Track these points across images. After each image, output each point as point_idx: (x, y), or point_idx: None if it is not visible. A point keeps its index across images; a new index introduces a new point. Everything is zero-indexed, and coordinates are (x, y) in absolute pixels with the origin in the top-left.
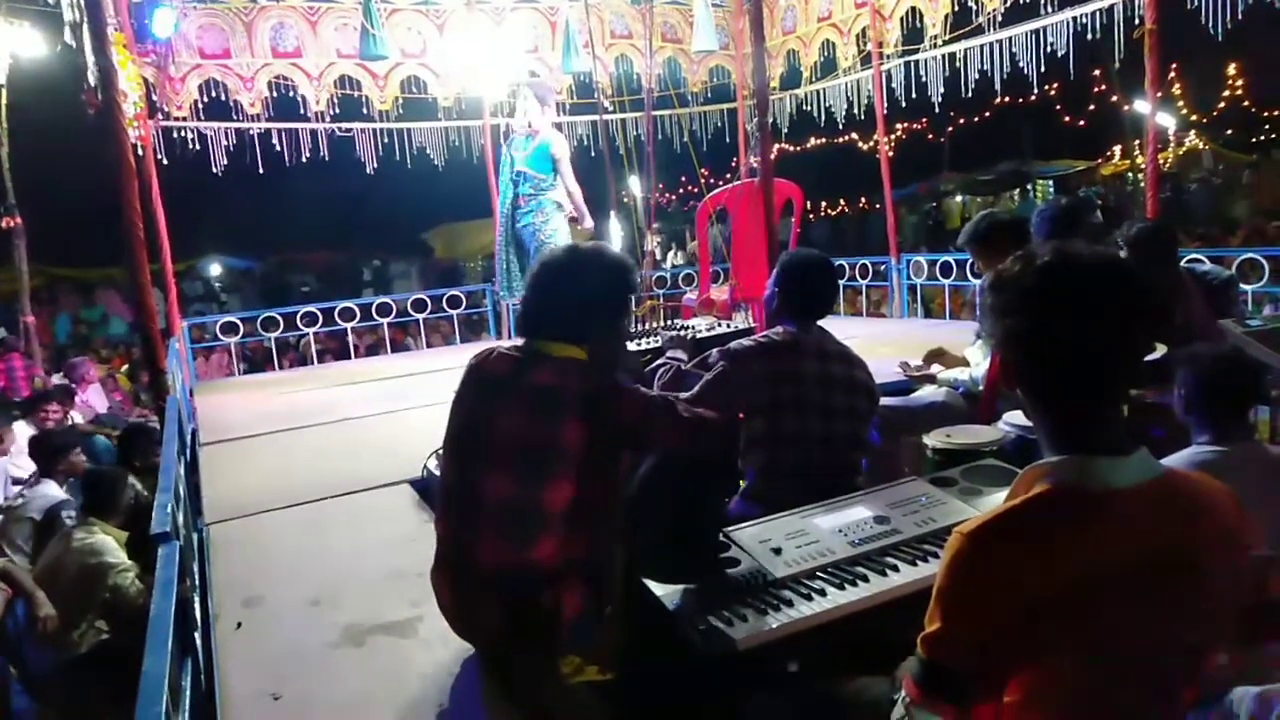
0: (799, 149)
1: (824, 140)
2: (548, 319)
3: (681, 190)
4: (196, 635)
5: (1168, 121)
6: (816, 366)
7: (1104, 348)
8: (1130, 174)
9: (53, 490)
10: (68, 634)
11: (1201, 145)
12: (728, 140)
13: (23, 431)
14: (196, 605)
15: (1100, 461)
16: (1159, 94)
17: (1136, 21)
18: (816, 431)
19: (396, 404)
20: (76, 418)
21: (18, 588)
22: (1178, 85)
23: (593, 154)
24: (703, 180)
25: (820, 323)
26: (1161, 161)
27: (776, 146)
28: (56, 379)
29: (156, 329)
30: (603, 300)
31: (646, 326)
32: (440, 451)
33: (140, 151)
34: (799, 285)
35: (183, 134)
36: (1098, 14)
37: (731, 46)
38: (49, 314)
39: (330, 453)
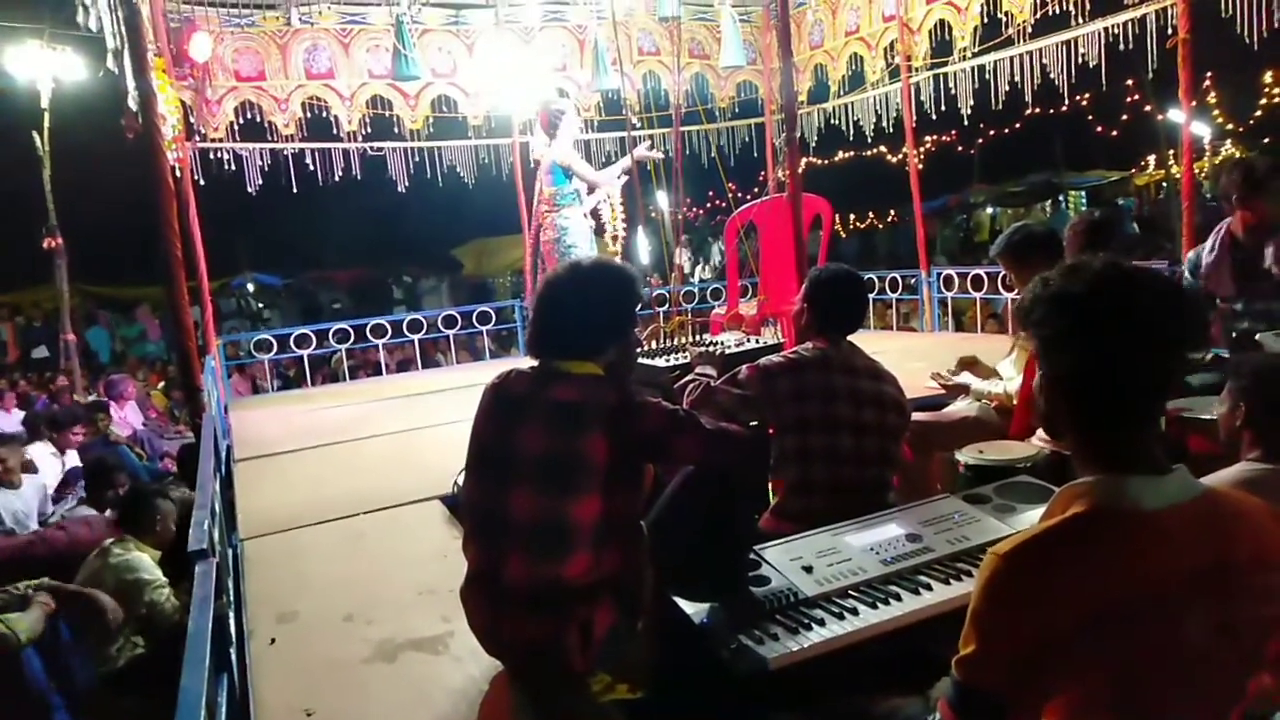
0: (827, 163)
1: (852, 154)
2: (559, 338)
3: (709, 205)
4: (232, 651)
5: (1202, 131)
6: (846, 382)
7: (1148, 367)
8: (1164, 183)
9: (91, 516)
10: (105, 649)
11: (1237, 154)
12: (755, 155)
13: (40, 451)
14: (231, 621)
15: (1138, 481)
16: (1193, 103)
17: (1169, 31)
18: (847, 448)
19: (427, 420)
20: (117, 432)
21: (67, 597)
22: (1212, 94)
23: None
24: (730, 195)
25: (850, 337)
26: (1196, 171)
27: (804, 161)
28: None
29: (194, 346)
30: (611, 314)
31: (675, 342)
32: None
33: (178, 173)
34: (828, 300)
35: (219, 155)
36: (1130, 24)
37: (759, 61)
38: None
39: (362, 469)
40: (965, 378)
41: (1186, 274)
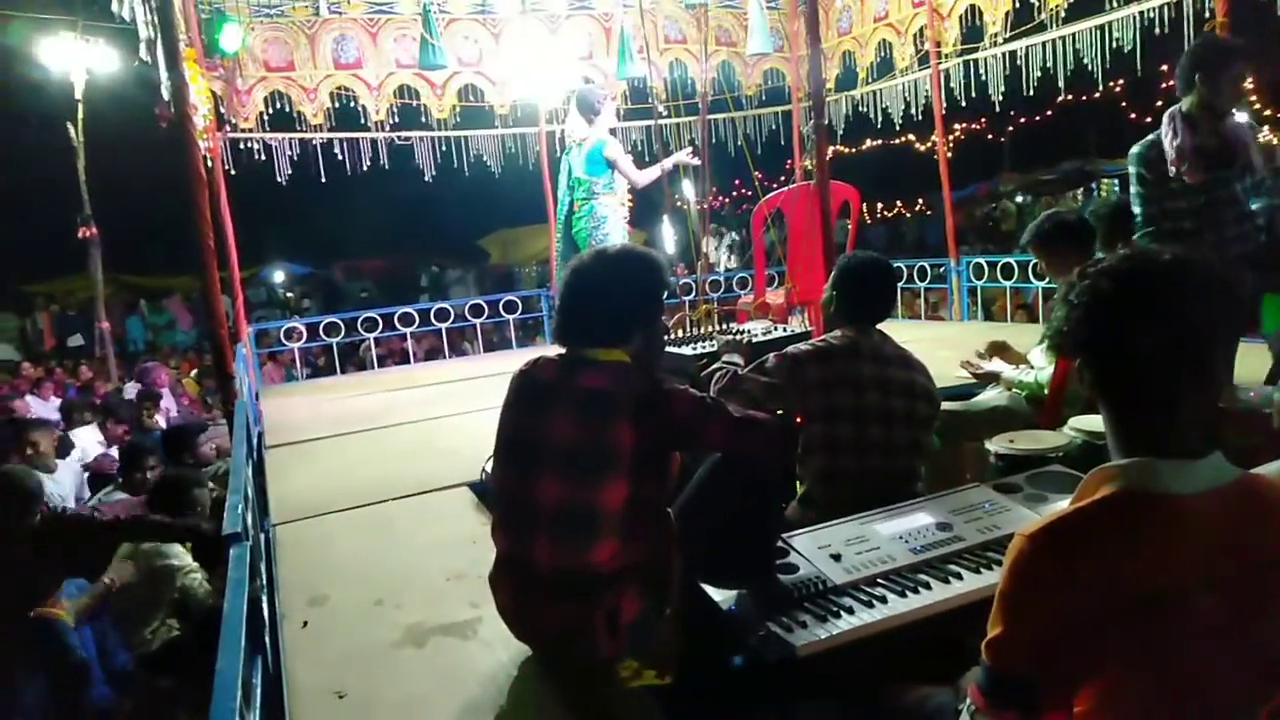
0: (855, 151)
1: (880, 142)
2: (585, 325)
3: (735, 194)
4: (265, 633)
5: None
6: (875, 371)
7: (1178, 350)
8: None
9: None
10: (140, 631)
11: (1275, 141)
12: (782, 143)
13: (89, 437)
14: (265, 604)
15: (1169, 465)
16: None
17: (1207, 15)
18: (876, 437)
19: (455, 408)
20: (160, 422)
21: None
22: (1249, 80)
23: (647, 159)
24: (757, 183)
25: (878, 326)
26: None
27: (832, 148)
28: (130, 387)
29: (226, 334)
30: (637, 301)
31: (701, 330)
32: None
33: (209, 163)
34: (857, 288)
35: (249, 145)
36: (1165, 8)
37: (786, 49)
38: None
39: (391, 455)
40: (996, 365)
41: (1134, 171)
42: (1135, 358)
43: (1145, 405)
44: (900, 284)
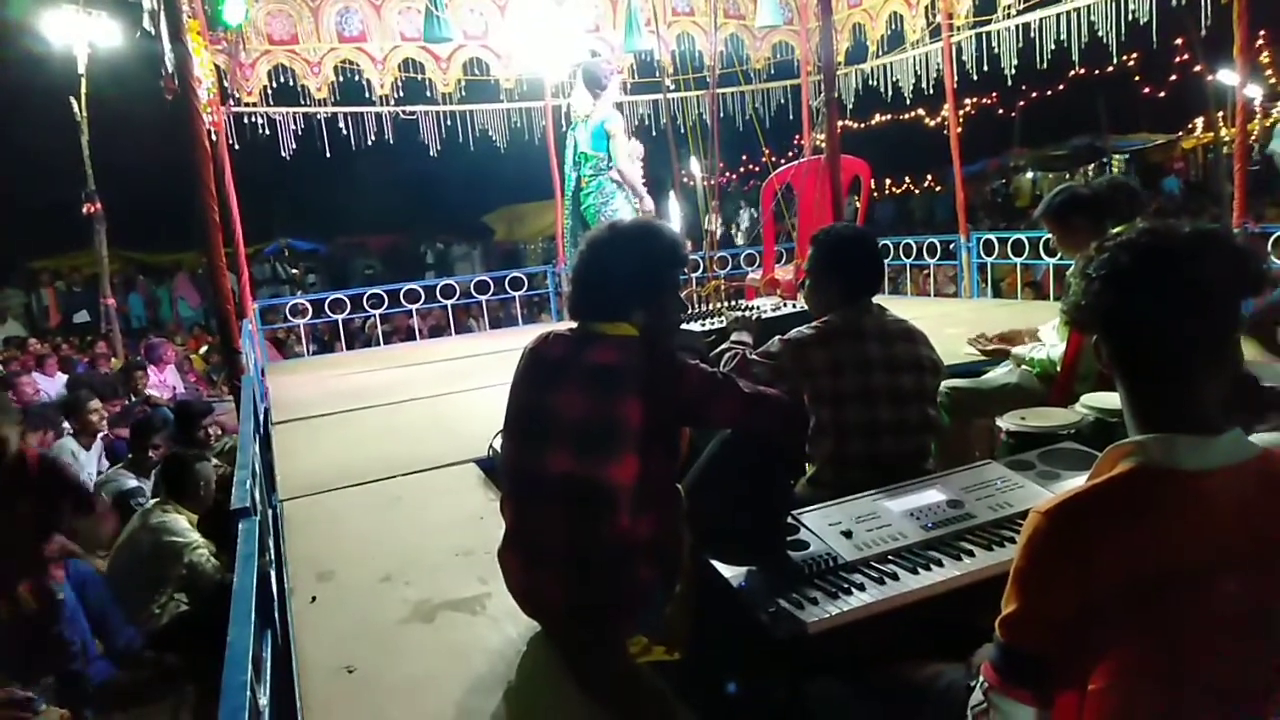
0: (864, 126)
1: (890, 116)
2: (596, 299)
3: (743, 169)
4: (275, 608)
5: (1255, 92)
6: (881, 350)
7: (1198, 324)
8: (1212, 148)
9: (128, 481)
10: (148, 607)
11: None
12: (791, 118)
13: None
14: (274, 579)
15: (1188, 441)
16: (1247, 63)
17: None
18: (886, 419)
19: (461, 384)
20: (156, 395)
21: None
22: (1266, 53)
23: (654, 133)
24: (766, 159)
25: (887, 307)
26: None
27: (841, 123)
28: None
29: (232, 311)
30: (648, 275)
31: (710, 307)
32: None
33: (213, 137)
34: (848, 266)
35: (253, 119)
36: None
37: (795, 21)
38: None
39: (397, 432)
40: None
41: None
42: (1153, 331)
43: (1163, 380)
44: (909, 260)
